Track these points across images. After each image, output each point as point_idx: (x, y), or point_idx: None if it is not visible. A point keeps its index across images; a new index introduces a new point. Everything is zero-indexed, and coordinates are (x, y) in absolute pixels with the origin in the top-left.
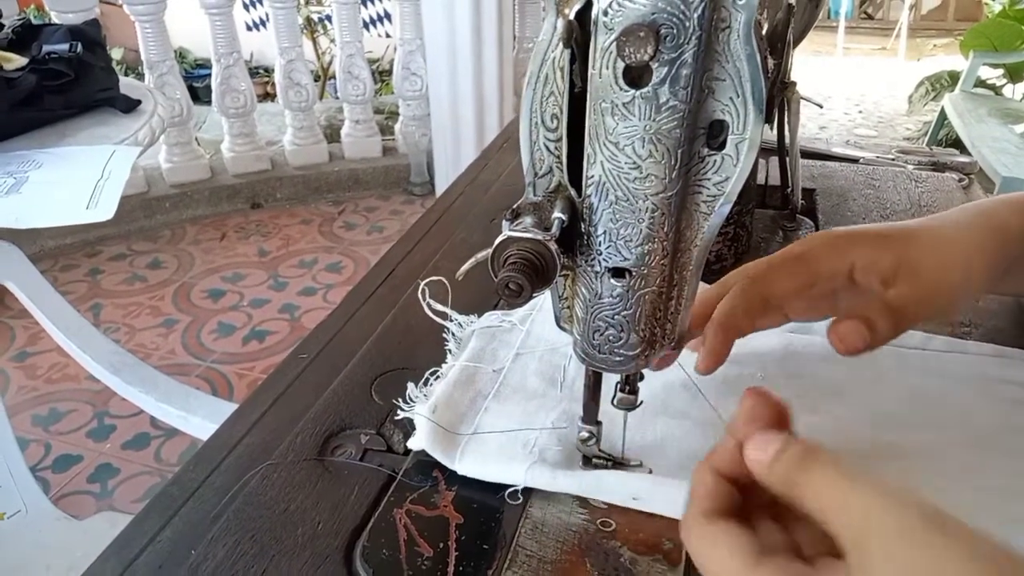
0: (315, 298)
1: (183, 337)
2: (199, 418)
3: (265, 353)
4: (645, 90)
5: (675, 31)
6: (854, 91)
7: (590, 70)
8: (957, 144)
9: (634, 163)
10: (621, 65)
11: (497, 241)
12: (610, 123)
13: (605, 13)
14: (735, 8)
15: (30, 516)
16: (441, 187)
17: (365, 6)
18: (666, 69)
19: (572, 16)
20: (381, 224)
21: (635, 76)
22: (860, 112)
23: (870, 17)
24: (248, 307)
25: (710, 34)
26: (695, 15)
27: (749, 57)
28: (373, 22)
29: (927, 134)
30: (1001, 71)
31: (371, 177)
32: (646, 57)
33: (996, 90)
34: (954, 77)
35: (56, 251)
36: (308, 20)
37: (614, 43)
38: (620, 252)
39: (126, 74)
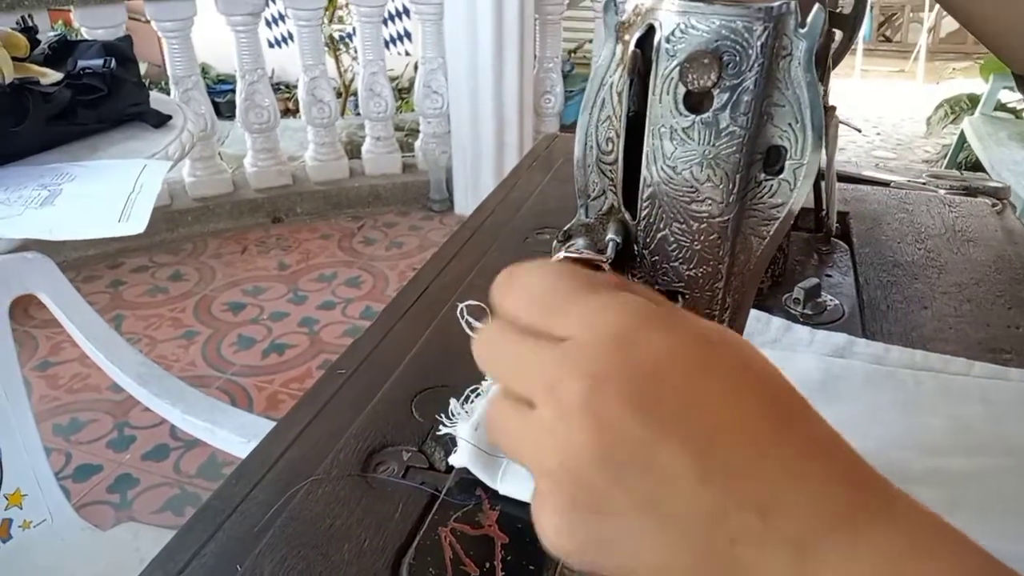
0: (334, 312)
1: (203, 349)
2: (225, 431)
3: (284, 366)
4: (705, 116)
5: (737, 58)
6: (872, 113)
7: (650, 95)
8: (976, 167)
9: (691, 186)
10: (682, 90)
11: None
12: (668, 147)
13: (668, 40)
14: (796, 36)
15: (55, 525)
16: (460, 204)
17: (386, 25)
18: (727, 95)
19: (633, 42)
20: (400, 240)
21: (695, 102)
22: (878, 134)
23: (888, 40)
24: (268, 320)
25: (771, 61)
26: (758, 43)
27: (809, 84)
28: (393, 40)
29: (946, 157)
30: (1021, 95)
31: (391, 193)
32: (709, 83)
33: (1016, 114)
34: (973, 100)
35: (79, 262)
36: (331, 38)
37: (676, 69)
38: (674, 275)
39: (150, 89)
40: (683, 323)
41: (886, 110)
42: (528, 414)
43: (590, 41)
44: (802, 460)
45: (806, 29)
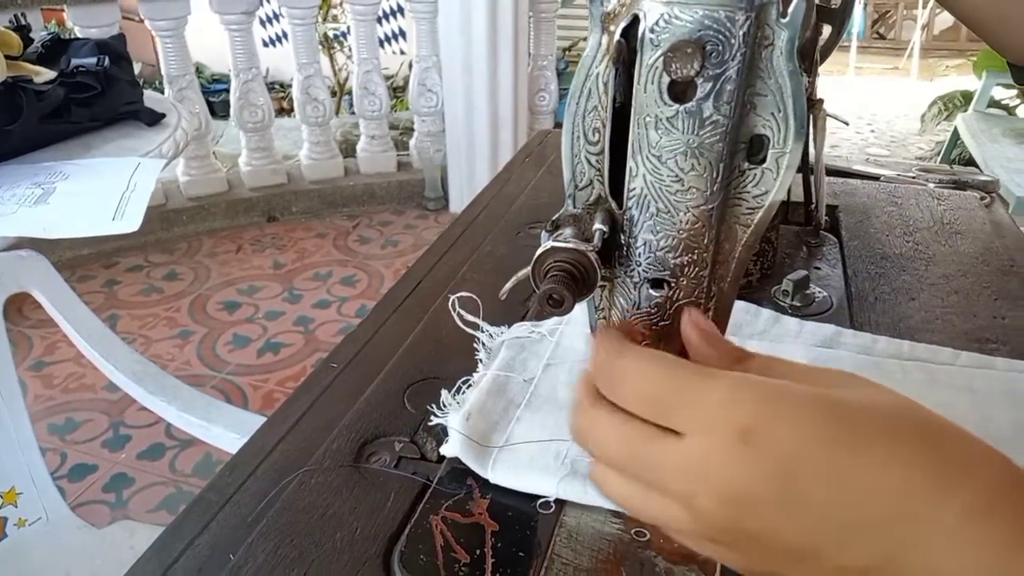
0: (329, 311)
1: (198, 348)
2: (220, 428)
3: (280, 365)
4: (689, 105)
5: (720, 48)
6: (866, 110)
7: (635, 85)
8: (970, 164)
9: (676, 176)
10: (666, 80)
11: (539, 252)
12: (653, 137)
13: (652, 30)
14: (778, 26)
15: (50, 524)
16: (455, 202)
17: (380, 24)
18: (710, 84)
19: (618, 33)
20: (395, 238)
21: (679, 91)
22: (872, 131)
23: (882, 37)
24: (263, 319)
25: (754, 51)
26: (740, 32)
27: (792, 73)
28: (388, 39)
29: (939, 154)
30: (1015, 91)
31: (386, 192)
32: (692, 73)
33: (1009, 110)
34: (967, 97)
35: (73, 262)
36: (325, 37)
37: (661, 59)
38: (659, 263)
39: (144, 88)
40: (806, 397)
41: (880, 107)
42: (659, 501)
43: (584, 39)
44: (965, 526)
45: (788, 19)
